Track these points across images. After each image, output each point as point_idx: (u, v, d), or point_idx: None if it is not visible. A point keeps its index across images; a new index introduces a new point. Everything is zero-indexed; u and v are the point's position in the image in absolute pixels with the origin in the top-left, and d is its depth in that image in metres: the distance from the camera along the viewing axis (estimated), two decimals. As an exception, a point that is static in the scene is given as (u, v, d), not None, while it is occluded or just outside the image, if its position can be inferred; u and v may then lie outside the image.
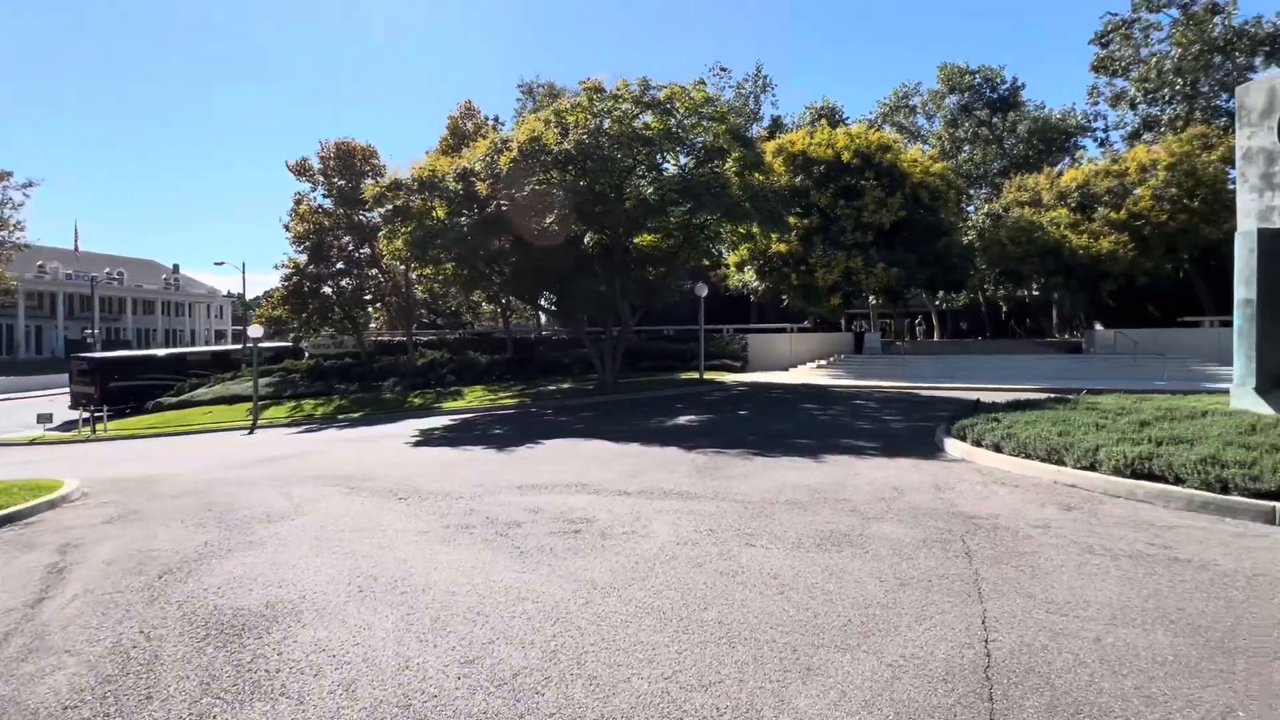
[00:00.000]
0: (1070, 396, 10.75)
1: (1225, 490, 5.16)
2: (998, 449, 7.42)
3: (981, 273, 32.79)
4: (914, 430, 10.46)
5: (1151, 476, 5.70)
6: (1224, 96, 30.13)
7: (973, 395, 17.05)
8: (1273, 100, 7.97)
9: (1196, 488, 5.32)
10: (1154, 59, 30.48)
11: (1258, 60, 28.73)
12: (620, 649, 3.07)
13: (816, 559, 4.28)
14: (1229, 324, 26.07)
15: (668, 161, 19.10)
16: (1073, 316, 44.86)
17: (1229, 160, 25.92)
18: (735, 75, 54.77)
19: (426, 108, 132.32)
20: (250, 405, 19.76)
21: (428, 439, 12.32)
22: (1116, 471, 5.90)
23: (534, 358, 29.24)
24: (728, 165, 18.28)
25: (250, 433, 17.12)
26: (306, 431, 16.06)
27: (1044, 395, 12.62)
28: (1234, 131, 27.64)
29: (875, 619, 3.31)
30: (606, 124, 16.81)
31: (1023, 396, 13.05)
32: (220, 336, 74.81)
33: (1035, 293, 42.89)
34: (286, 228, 28.99)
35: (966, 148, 42.41)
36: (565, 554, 4.56)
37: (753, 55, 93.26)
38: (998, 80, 42.04)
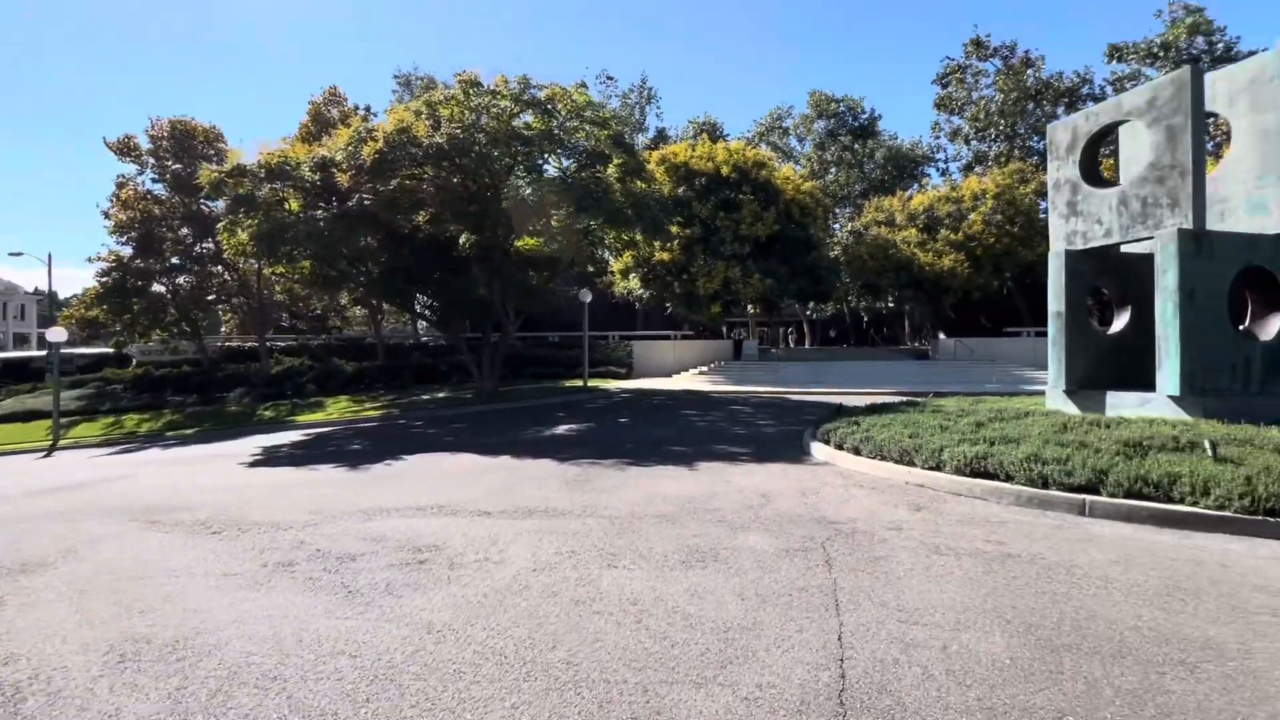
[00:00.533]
0: (920, 400, 11.65)
1: (1045, 485, 5.65)
2: (857, 452, 7.75)
3: (846, 285, 35.46)
4: (784, 434, 10.81)
5: (986, 474, 6.14)
6: (1036, 139, 34.94)
7: (838, 399, 18.23)
8: (1075, 138, 9.10)
9: (1023, 484, 5.79)
10: (982, 102, 34.73)
11: (1060, 109, 33.66)
12: (446, 709, 2.61)
13: (680, 579, 4.06)
14: (1043, 334, 29.91)
15: (549, 163, 18.65)
16: (921, 326, 49.90)
17: (1041, 193, 30.02)
18: (621, 85, 55.39)
19: (294, 97, 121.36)
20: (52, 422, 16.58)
21: (270, 458, 10.89)
22: (958, 471, 6.31)
23: (408, 365, 27.36)
24: (610, 171, 18.16)
25: (48, 455, 14.33)
26: (123, 452, 13.70)
27: (898, 398, 13.64)
28: (1045, 169, 31.87)
29: (734, 644, 3.11)
30: (484, 120, 16.04)
31: (880, 400, 14.03)
32: (22, 341, 63.21)
33: (891, 304, 47.18)
34: (106, 215, 24.94)
35: (833, 170, 45.78)
36: (403, 590, 3.99)
37: (639, 67, 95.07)
38: (859, 110, 45.88)
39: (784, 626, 3.31)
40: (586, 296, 23.04)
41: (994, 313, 41.86)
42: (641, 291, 29.67)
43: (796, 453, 8.89)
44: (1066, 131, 9.26)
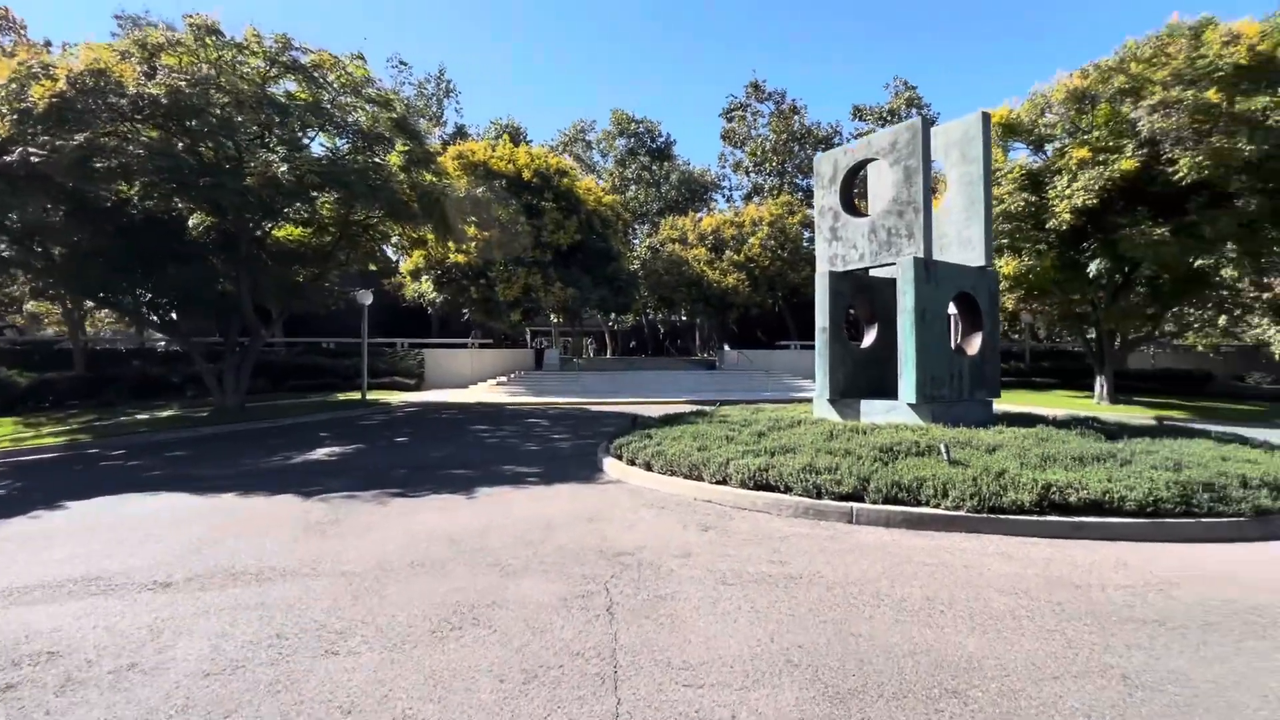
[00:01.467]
0: (709, 409, 12.02)
1: (819, 495, 5.81)
2: (649, 468, 7.46)
3: (644, 298, 36.88)
4: (579, 450, 10.29)
5: (769, 487, 6.18)
6: (800, 177, 40.12)
7: (636, 409, 18.48)
8: (835, 170, 10.08)
9: (800, 494, 5.89)
10: (759, 139, 38.89)
11: (819, 154, 39.13)
12: None
13: (424, 660, 3.12)
14: (807, 346, 34.13)
15: (317, 140, 16.07)
16: (709, 338, 54.31)
17: (806, 224, 34.34)
18: (417, 73, 51.55)
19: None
20: None
21: None
22: (743, 484, 6.27)
23: (123, 376, 21.63)
24: (393, 159, 16.20)
25: None
26: None
27: (690, 407, 14.05)
28: (809, 203, 36.56)
29: (478, 762, 2.30)
30: (226, 79, 13.11)
31: (674, 409, 14.36)
32: None
33: (684, 318, 50.48)
34: None
35: (633, 187, 47.59)
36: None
37: (439, 59, 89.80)
38: (656, 133, 48.42)
39: (550, 716, 2.59)
40: (366, 298, 20.40)
41: (768, 327, 47.12)
42: (435, 295, 27.41)
43: (589, 471, 8.37)
44: (829, 163, 10.22)
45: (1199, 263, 17.56)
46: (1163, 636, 3.32)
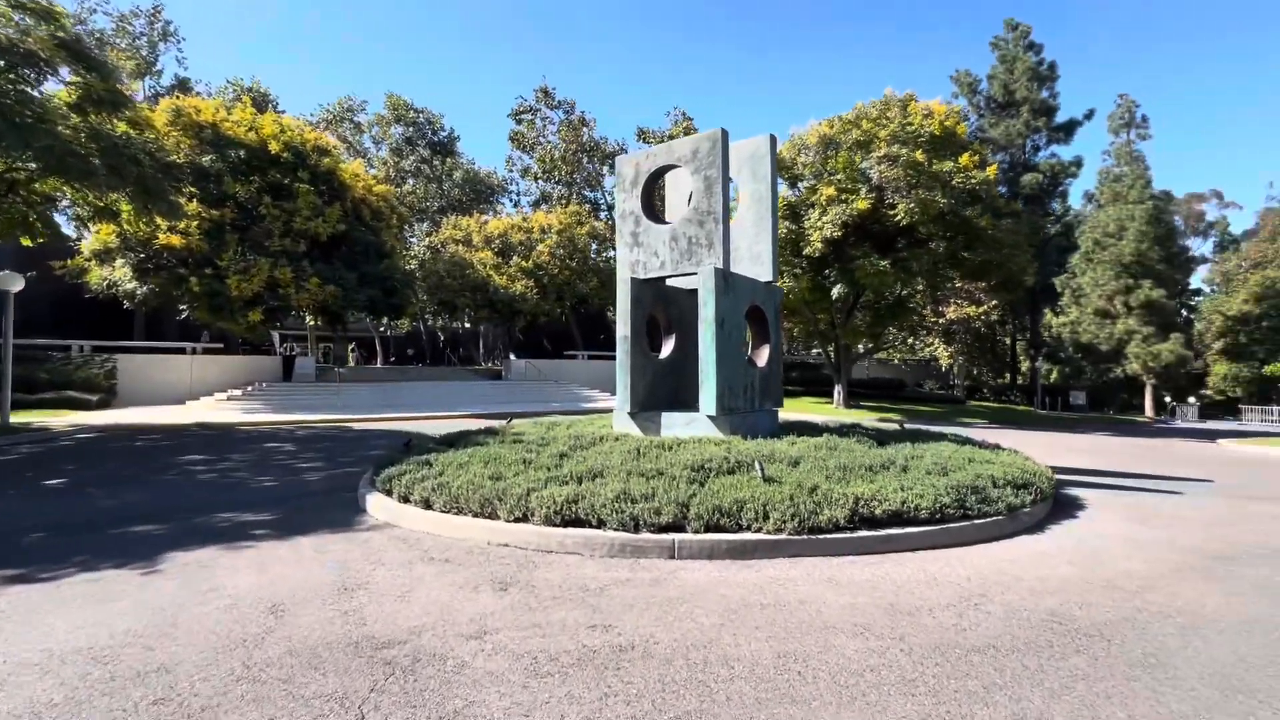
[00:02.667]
0: (499, 424, 10.74)
1: (637, 528, 5.05)
2: (429, 505, 6.00)
3: (423, 301, 33.67)
4: (334, 483, 8.22)
5: (579, 522, 5.24)
6: (589, 190, 40.65)
7: (412, 426, 16.21)
8: (637, 173, 9.69)
9: (616, 529, 5.07)
10: (549, 146, 38.46)
11: (605, 169, 40.02)
12: None
13: None
14: (595, 356, 34.40)
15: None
16: (494, 347, 52.10)
17: (595, 236, 34.68)
18: (121, 4, 40.95)
19: None
20: None
21: None
22: (548, 521, 5.24)
23: None
24: (61, 94, 11.86)
25: None
26: None
27: (477, 423, 12.56)
28: (597, 217, 37.07)
29: None
30: None
31: (458, 426, 12.73)
32: None
33: (468, 324, 47.65)
34: None
35: (411, 180, 43.61)
36: None
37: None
38: (438, 126, 45.12)
39: None
40: (14, 283, 14.77)
41: (555, 337, 46.79)
42: (134, 285, 21.31)
43: (347, 513, 6.56)
44: (631, 167, 9.80)
45: (904, 291, 21.38)
46: (1009, 668, 3.15)
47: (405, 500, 6.27)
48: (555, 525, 5.21)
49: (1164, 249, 35.90)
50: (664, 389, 10.06)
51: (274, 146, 22.92)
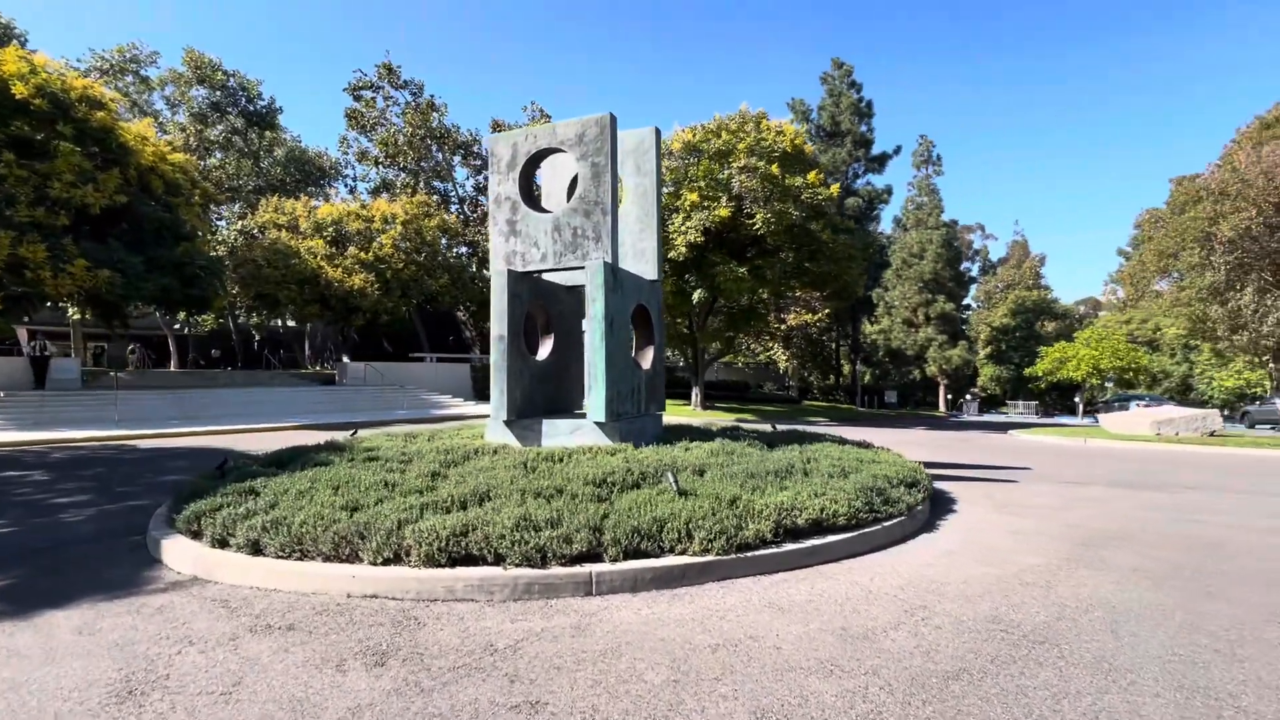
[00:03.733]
0: (341, 437, 9.09)
1: (545, 562, 4.21)
2: (258, 549, 4.59)
3: (234, 294, 28.82)
4: (110, 525, 6.22)
5: (470, 559, 4.27)
6: (438, 181, 37.83)
7: (223, 442, 13.40)
8: (515, 155, 8.73)
9: (519, 564, 4.19)
10: (393, 130, 35.14)
11: (457, 159, 37.54)
12: None
13: None
14: (444, 359, 32.05)
15: None
16: (324, 348, 46.52)
17: (444, 230, 32.25)
18: None
19: None
20: None
21: None
22: (430, 560, 4.20)
23: None
24: None
25: None
26: None
27: (310, 436, 10.62)
28: (446, 208, 34.56)
29: None
30: None
31: (287, 440, 10.66)
32: None
33: (290, 322, 42.01)
34: None
35: (219, 154, 37.41)
36: None
37: None
38: (254, 93, 39.15)
39: None
40: None
41: (397, 338, 42.93)
42: None
43: (131, 568, 4.86)
44: (507, 147, 8.80)
45: (756, 298, 22.49)
46: (993, 696, 2.89)
47: (222, 544, 4.77)
48: (440, 565, 4.19)
49: (953, 269, 42.34)
50: (541, 394, 9.20)
51: (20, 89, 17.94)
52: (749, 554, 4.52)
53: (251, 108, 38.91)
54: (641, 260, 9.58)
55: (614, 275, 8.10)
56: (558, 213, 8.46)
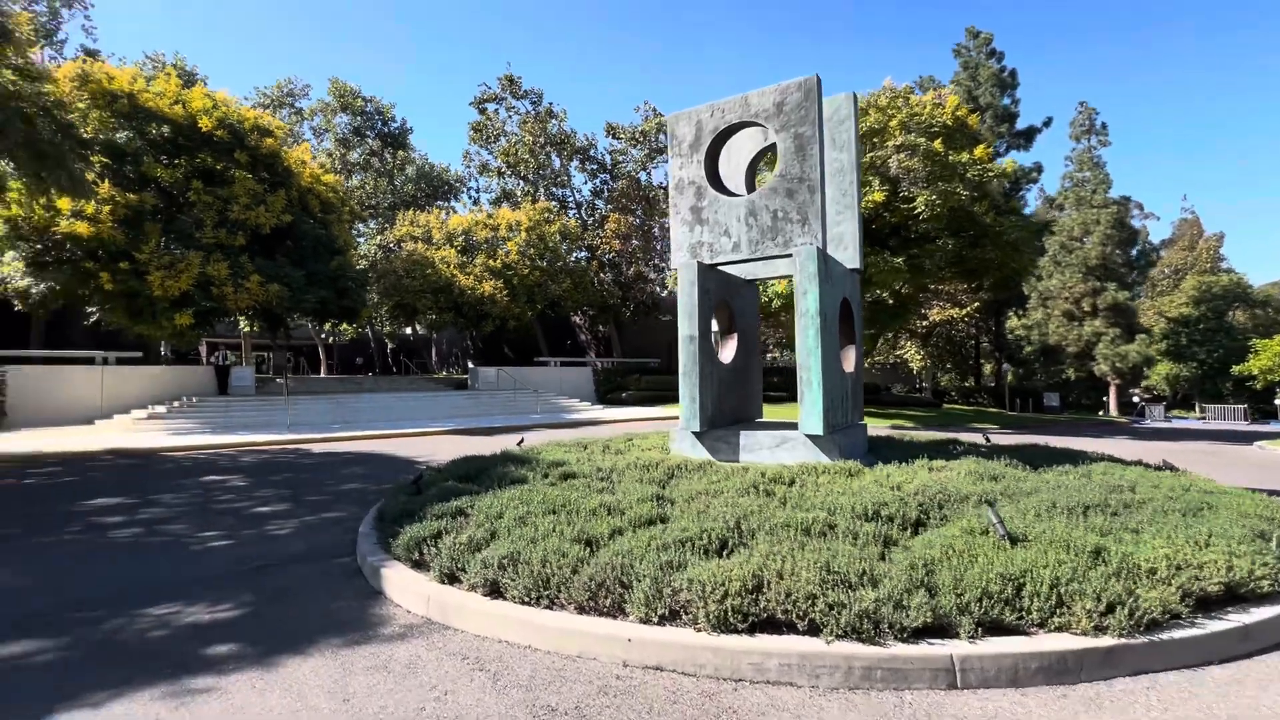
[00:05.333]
0: (517, 448, 8.60)
1: (877, 634, 3.13)
2: (496, 590, 3.90)
3: (374, 304, 30.61)
4: (317, 540, 5.92)
5: (772, 624, 3.29)
6: (556, 188, 38.38)
7: (382, 446, 13.69)
8: (699, 134, 7.81)
9: (841, 635, 3.14)
10: (514, 138, 36.04)
11: (574, 164, 37.90)
12: None
13: None
14: (566, 363, 32.11)
15: None
16: (450, 354, 48.89)
17: (565, 234, 32.51)
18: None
19: None
20: None
21: None
22: (723, 624, 3.25)
23: None
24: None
25: None
26: None
27: (460, 441, 10.34)
28: (566, 212, 34.84)
29: None
30: None
31: (437, 444, 10.48)
32: None
33: (424, 330, 44.39)
34: None
35: (359, 174, 40.23)
36: None
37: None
38: (389, 116, 41.90)
39: None
40: None
41: (517, 342, 44.07)
42: (28, 283, 17.77)
43: (354, 599, 4.36)
44: (690, 125, 7.90)
45: (905, 289, 20.26)
46: None
47: (452, 579, 4.14)
48: (735, 630, 3.23)
49: (1125, 252, 36.86)
50: (728, 402, 8.20)
51: (205, 123, 19.75)
52: (1160, 636, 3.18)
53: (386, 129, 41.63)
54: (840, 247, 8.33)
55: (825, 263, 6.93)
56: (753, 195, 7.41)
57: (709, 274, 7.64)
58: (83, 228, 17.09)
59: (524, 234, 30.67)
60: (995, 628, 3.20)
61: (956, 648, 3.04)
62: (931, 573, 3.51)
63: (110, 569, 5.10)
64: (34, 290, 17.81)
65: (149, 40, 71.95)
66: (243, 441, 14.21)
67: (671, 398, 30.05)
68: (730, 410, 8.22)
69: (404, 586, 4.25)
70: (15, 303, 18.69)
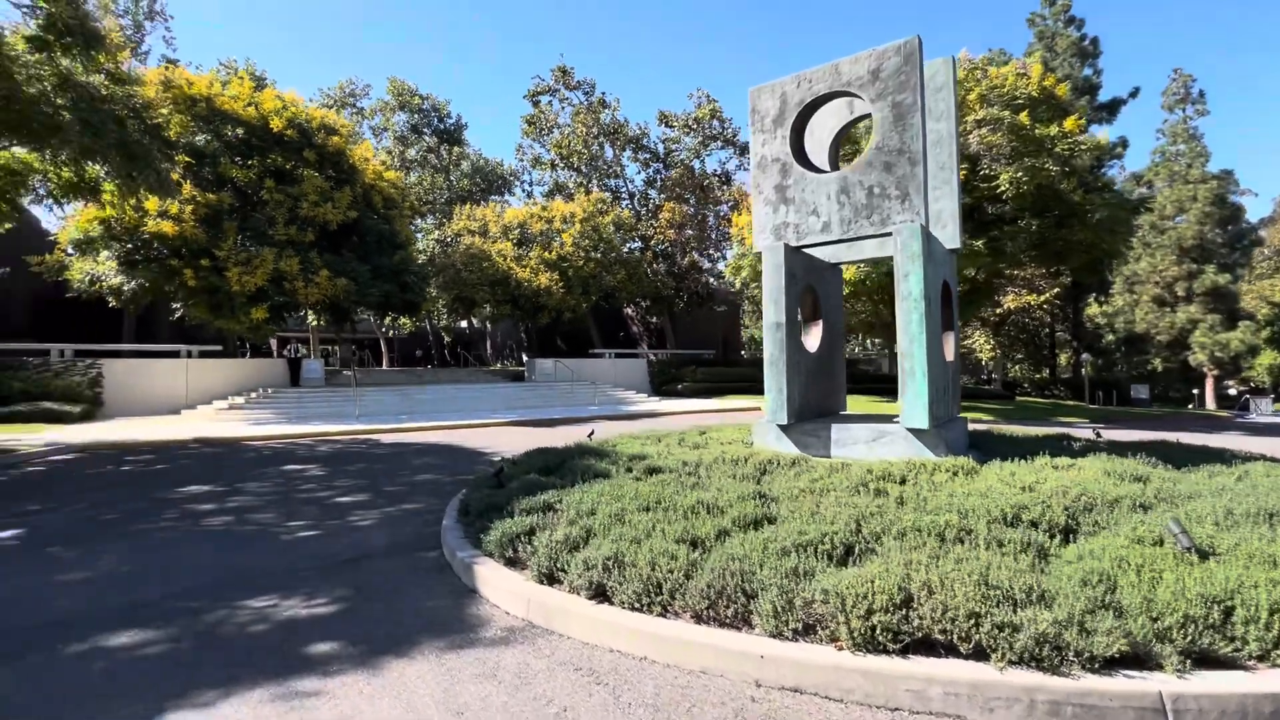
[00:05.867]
0: (589, 439, 8.38)
1: (1060, 662, 2.68)
2: (602, 593, 3.62)
3: (433, 297, 31.21)
4: (399, 532, 5.82)
5: (928, 644, 2.88)
6: (610, 179, 38.18)
7: (448, 436, 13.77)
8: (784, 107, 7.33)
9: (1015, 662, 2.70)
10: (566, 130, 36.00)
11: (626, 154, 37.57)
12: None
13: None
14: (621, 355, 31.94)
15: None
16: (504, 346, 49.62)
17: (618, 225, 32.28)
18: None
19: None
20: None
21: None
22: (870, 643, 2.86)
23: None
24: (15, 40, 9.43)
25: None
26: None
27: (523, 432, 10.22)
28: (619, 204, 34.46)
29: None
30: None
31: (503, 434, 10.39)
32: None
33: (478, 323, 45.17)
34: None
35: (417, 170, 41.08)
36: None
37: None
38: (444, 112, 42.62)
39: None
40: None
41: (569, 334, 44.26)
42: (121, 280, 18.79)
43: (448, 598, 4.18)
44: (773, 99, 7.43)
45: (982, 274, 19.03)
46: None
47: (550, 579, 3.90)
48: (884, 651, 2.84)
49: (1225, 232, 33.80)
50: (814, 393, 7.72)
51: (276, 123, 20.41)
52: None
53: (442, 126, 42.36)
54: (938, 225, 7.70)
55: (928, 243, 6.36)
56: (846, 171, 6.89)
57: (795, 257, 7.17)
58: (168, 227, 17.93)
59: (578, 225, 30.60)
60: (1204, 659, 2.70)
61: (1163, 682, 2.56)
62: (1112, 590, 3.01)
63: (207, 558, 5.12)
64: (125, 287, 18.84)
65: (218, 46, 75.77)
66: (316, 431, 14.59)
67: (729, 389, 29.48)
68: (815, 402, 7.75)
69: (499, 585, 4.04)
70: (110, 299, 19.83)
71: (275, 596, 4.24)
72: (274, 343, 43.74)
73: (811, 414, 7.61)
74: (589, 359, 31.48)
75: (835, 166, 8.30)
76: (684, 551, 3.73)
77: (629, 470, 6.14)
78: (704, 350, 36.94)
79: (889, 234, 6.53)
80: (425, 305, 27.22)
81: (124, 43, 12.44)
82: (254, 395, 19.39)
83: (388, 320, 39.22)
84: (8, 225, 13.93)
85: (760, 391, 30.86)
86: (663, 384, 29.90)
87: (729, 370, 31.75)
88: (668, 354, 34.59)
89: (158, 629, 3.70)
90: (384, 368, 38.63)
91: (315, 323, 29.90)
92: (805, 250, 7.39)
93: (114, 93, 10.78)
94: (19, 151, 11.88)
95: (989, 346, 37.28)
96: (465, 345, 50.33)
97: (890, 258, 6.73)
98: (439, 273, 29.83)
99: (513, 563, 4.30)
